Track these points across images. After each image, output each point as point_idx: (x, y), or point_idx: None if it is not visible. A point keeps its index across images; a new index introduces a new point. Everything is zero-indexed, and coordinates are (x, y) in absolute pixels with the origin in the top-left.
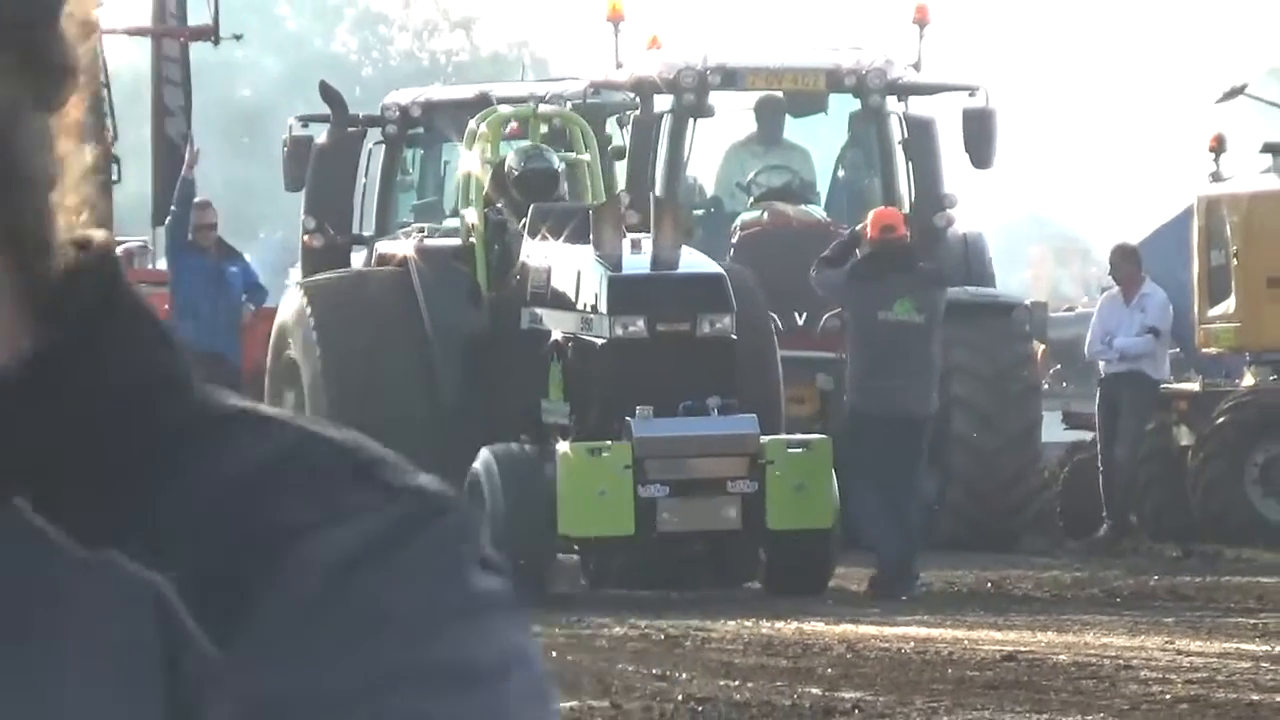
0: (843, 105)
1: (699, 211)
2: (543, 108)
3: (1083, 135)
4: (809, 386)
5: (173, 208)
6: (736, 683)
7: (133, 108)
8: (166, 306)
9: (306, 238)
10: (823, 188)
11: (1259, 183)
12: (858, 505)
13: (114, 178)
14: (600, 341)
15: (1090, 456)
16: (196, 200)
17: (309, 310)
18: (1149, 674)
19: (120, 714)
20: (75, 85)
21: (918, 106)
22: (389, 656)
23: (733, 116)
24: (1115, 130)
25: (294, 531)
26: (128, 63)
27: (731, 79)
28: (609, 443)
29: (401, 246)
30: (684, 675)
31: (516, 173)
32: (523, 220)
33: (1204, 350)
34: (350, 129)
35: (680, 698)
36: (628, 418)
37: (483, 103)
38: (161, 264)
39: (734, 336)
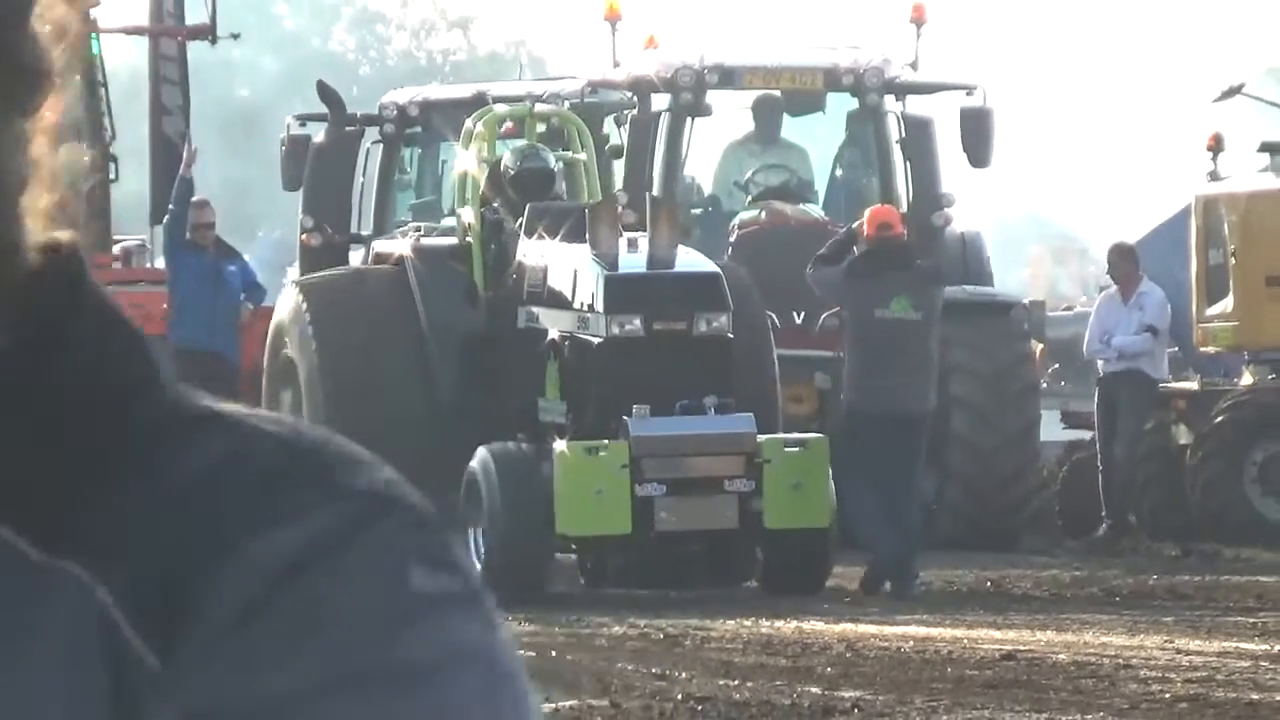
0: (840, 104)
1: (697, 211)
2: (539, 107)
3: (1081, 134)
4: (807, 385)
5: (171, 206)
6: (736, 682)
7: (130, 106)
8: (165, 305)
9: (304, 237)
10: (820, 187)
11: (1257, 182)
12: (855, 504)
13: (112, 176)
14: (597, 340)
15: (1089, 456)
16: (194, 199)
17: (306, 309)
18: (1148, 673)
19: None
20: (50, 88)
21: (915, 106)
22: (328, 660)
23: (730, 116)
24: (1113, 129)
25: (236, 535)
26: (125, 62)
27: (729, 78)
28: (606, 442)
29: (399, 245)
30: (683, 674)
31: (513, 172)
32: (519, 219)
33: (1202, 349)
34: (348, 128)
35: (680, 697)
36: (625, 417)
37: (480, 102)
38: (160, 263)
39: (730, 335)
